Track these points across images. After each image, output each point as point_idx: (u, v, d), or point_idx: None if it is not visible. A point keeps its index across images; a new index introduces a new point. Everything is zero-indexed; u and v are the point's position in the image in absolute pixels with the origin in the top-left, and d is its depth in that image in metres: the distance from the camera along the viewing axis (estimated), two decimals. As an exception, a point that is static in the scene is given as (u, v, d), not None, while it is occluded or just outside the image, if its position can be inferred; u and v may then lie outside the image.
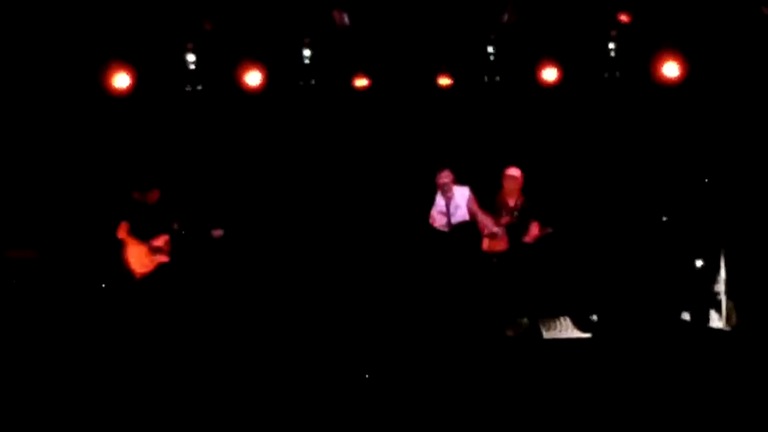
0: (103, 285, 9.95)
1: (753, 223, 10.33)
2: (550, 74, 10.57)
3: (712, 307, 10.32)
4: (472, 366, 8.46)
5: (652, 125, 11.06)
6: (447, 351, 8.92)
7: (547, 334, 9.81)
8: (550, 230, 9.88)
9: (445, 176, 9.93)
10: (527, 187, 10.11)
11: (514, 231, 9.90)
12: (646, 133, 11.08)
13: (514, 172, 10.06)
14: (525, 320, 9.79)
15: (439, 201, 10.03)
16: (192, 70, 10.58)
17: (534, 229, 9.87)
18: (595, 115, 11.22)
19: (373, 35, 10.62)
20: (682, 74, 10.34)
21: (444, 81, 10.85)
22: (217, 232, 10.05)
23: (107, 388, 8.01)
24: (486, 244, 9.94)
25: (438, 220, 10.04)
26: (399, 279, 10.47)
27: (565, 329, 9.87)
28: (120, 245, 9.65)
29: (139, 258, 9.72)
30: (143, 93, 10.46)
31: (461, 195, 9.96)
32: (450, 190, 9.90)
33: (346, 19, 10.08)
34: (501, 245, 9.94)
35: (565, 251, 10.09)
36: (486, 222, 9.93)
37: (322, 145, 11.30)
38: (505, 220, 9.93)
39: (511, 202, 10.03)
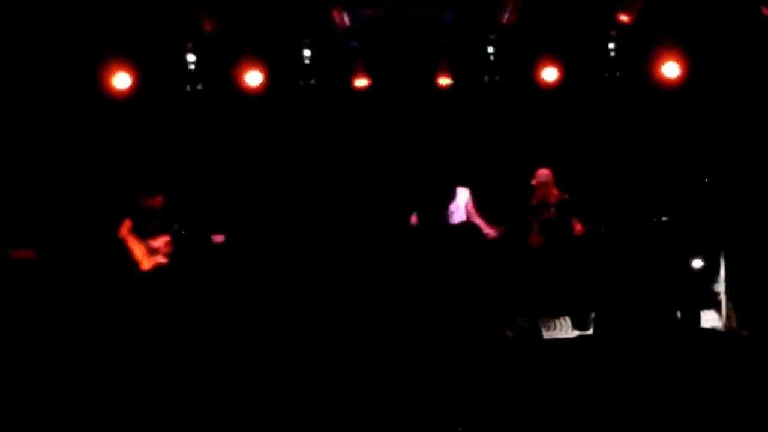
0: (102, 287, 9.95)
1: (753, 223, 10.33)
2: (550, 74, 10.57)
3: (711, 308, 10.33)
4: (471, 366, 8.46)
5: (652, 125, 11.07)
6: (447, 351, 8.92)
7: (547, 335, 9.81)
8: (595, 226, 9.92)
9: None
10: (528, 187, 10.15)
11: (555, 227, 9.90)
12: (646, 133, 11.09)
13: (545, 173, 10.04)
14: (524, 320, 9.79)
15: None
16: (192, 70, 10.58)
17: (578, 226, 9.90)
18: (595, 116, 11.23)
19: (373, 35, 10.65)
20: (682, 74, 10.34)
21: (444, 81, 10.85)
22: (218, 238, 10.04)
23: (105, 389, 8.02)
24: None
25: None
26: (399, 279, 10.46)
27: (566, 329, 9.87)
28: (121, 244, 9.66)
29: (136, 258, 9.73)
30: (143, 93, 10.45)
31: (462, 196, 10.03)
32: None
33: (346, 19, 10.09)
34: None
35: (565, 251, 10.09)
36: (480, 224, 9.98)
37: (322, 145, 11.30)
38: (547, 214, 9.95)
39: (551, 199, 10.01)
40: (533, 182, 9.94)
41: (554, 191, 9.98)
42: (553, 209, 9.91)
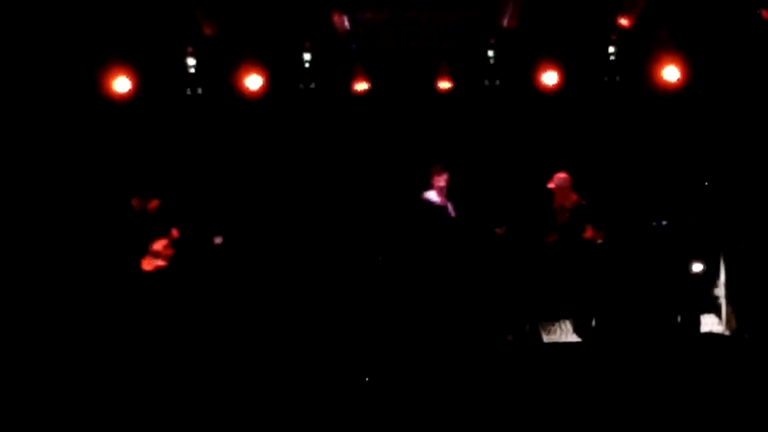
0: (102, 290, 9.96)
1: (753, 227, 10.33)
2: (550, 78, 10.57)
3: (711, 312, 10.32)
4: (472, 369, 8.46)
5: (652, 129, 11.07)
6: (447, 354, 8.92)
7: (547, 338, 9.80)
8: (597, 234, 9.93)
9: (445, 179, 10.03)
10: (528, 190, 10.15)
11: (568, 230, 9.90)
12: (646, 136, 11.09)
13: (563, 176, 10.04)
14: (525, 323, 9.79)
15: (437, 199, 10.14)
16: (192, 73, 10.59)
17: (589, 231, 9.89)
18: (595, 119, 11.24)
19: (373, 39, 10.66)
20: (682, 78, 10.34)
21: (444, 85, 10.86)
22: (218, 239, 10.04)
23: (107, 389, 8.03)
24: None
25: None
26: (399, 282, 10.46)
27: (566, 333, 9.87)
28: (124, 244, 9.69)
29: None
30: (144, 97, 10.45)
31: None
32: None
33: (347, 23, 10.09)
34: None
35: (566, 255, 10.09)
36: None
37: (322, 149, 11.30)
38: (562, 218, 9.94)
39: (567, 204, 10.01)
40: (550, 186, 9.94)
41: (572, 196, 10.00)
42: (568, 214, 9.93)
